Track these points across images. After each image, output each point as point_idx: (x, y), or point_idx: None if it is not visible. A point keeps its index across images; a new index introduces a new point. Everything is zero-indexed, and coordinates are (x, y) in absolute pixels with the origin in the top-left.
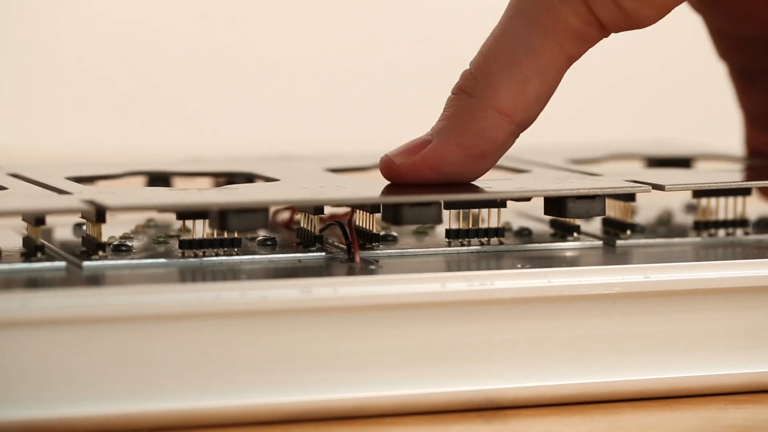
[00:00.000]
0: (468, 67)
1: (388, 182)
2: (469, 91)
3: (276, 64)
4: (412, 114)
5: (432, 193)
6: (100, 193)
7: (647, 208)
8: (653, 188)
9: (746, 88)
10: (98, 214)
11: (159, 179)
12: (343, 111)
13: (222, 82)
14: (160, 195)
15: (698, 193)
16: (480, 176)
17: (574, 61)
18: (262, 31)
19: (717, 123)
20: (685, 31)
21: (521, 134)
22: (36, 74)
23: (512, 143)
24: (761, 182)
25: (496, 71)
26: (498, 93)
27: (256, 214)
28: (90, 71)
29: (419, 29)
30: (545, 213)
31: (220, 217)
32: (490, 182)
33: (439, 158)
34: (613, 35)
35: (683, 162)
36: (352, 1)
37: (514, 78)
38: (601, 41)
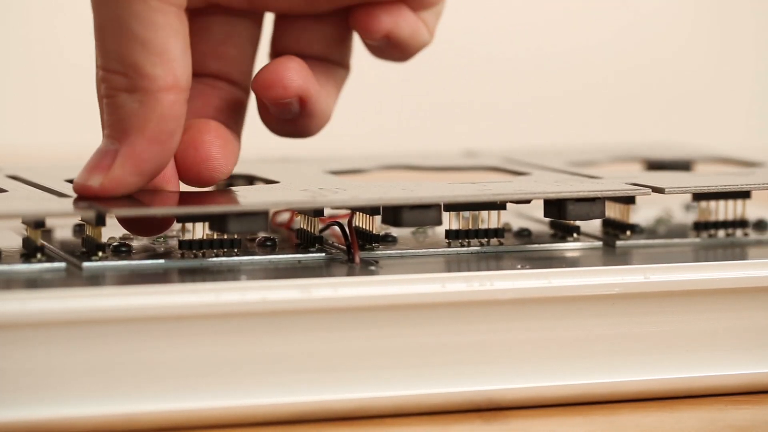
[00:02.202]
0: (103, 72)
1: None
2: (126, 88)
3: None
4: (412, 114)
5: (430, 194)
6: None
7: (647, 208)
8: (653, 191)
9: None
10: (98, 217)
11: None
12: (342, 112)
13: None
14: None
15: (698, 196)
16: (172, 155)
17: (185, 6)
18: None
19: (716, 125)
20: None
21: (510, 136)
22: (36, 74)
23: (186, 107)
24: (761, 185)
25: (138, 58)
26: (153, 76)
27: (256, 217)
28: (90, 72)
29: None
30: (545, 215)
31: (220, 220)
32: (490, 184)
33: (134, 161)
34: (612, 36)
35: (683, 165)
36: None
37: (155, 53)
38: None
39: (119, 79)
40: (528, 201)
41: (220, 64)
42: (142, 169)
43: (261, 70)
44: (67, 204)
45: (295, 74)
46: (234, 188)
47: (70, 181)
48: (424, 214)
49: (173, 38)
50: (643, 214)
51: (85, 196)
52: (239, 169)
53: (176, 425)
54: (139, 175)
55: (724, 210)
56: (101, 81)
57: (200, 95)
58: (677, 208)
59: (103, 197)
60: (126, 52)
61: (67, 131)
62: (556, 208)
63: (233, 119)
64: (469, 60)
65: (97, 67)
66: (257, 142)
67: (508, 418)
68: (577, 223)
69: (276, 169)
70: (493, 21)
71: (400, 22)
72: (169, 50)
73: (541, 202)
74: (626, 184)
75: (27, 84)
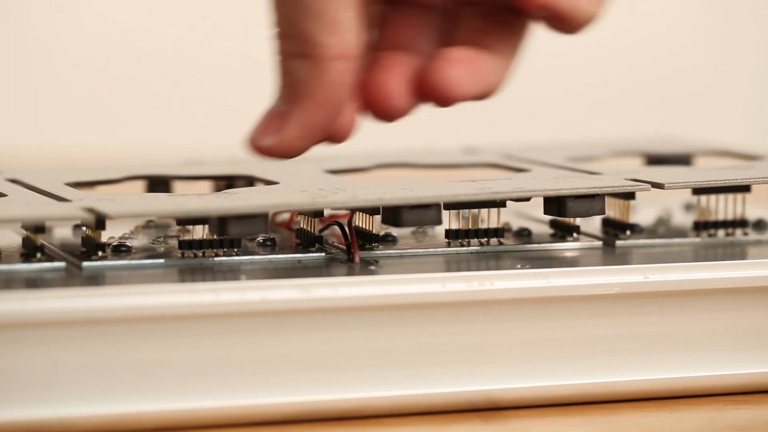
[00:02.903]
0: (277, 34)
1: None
2: (298, 54)
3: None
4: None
5: (430, 193)
6: (100, 201)
7: (647, 208)
8: (653, 186)
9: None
10: (98, 221)
11: (159, 183)
12: None
13: (222, 84)
14: (160, 202)
15: (698, 191)
16: (336, 119)
17: None
18: (262, 33)
19: (717, 119)
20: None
21: (509, 132)
22: (36, 75)
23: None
24: (761, 179)
25: (312, 27)
26: (326, 44)
27: (256, 219)
28: (90, 72)
29: None
30: (545, 212)
31: (220, 223)
32: (490, 182)
33: (307, 125)
34: (612, 32)
35: (683, 159)
36: None
37: (328, 23)
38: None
39: (292, 44)
40: (528, 199)
41: None
42: (311, 132)
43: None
44: (67, 209)
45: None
46: (234, 190)
47: (70, 185)
48: (423, 213)
49: (345, 8)
50: (642, 214)
51: (257, 154)
52: (238, 170)
53: (176, 425)
54: (307, 138)
55: (723, 209)
56: (275, 42)
57: (399, 22)
58: (677, 208)
59: (274, 157)
60: (299, 19)
61: (67, 132)
62: (556, 205)
63: (432, 42)
64: None
65: (272, 30)
66: None
67: (508, 418)
68: (577, 221)
69: (275, 169)
70: None
71: None
72: (342, 20)
73: (541, 199)
74: (626, 179)
75: (27, 84)
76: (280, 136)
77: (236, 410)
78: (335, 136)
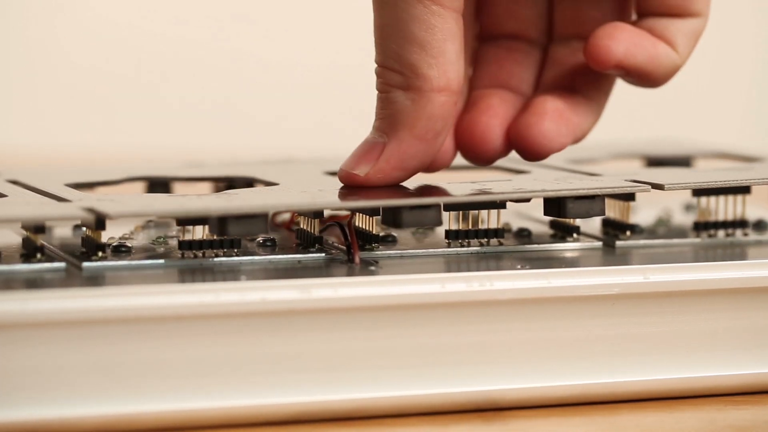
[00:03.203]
0: (380, 68)
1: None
2: (400, 86)
3: (276, 67)
4: None
5: (431, 196)
6: (100, 201)
7: (647, 209)
8: (653, 187)
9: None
10: (98, 222)
11: (159, 184)
12: (342, 113)
13: (222, 85)
14: (160, 202)
15: (698, 192)
16: (436, 153)
17: (462, 5)
18: (262, 33)
19: (716, 121)
20: None
21: None
22: (36, 75)
23: (456, 109)
24: (761, 180)
25: (415, 59)
26: (428, 76)
27: (256, 219)
28: (90, 72)
29: None
30: (545, 213)
31: (220, 223)
32: (490, 183)
33: (401, 156)
34: None
35: (683, 161)
36: (353, 4)
37: (432, 55)
38: None
39: (395, 76)
40: (528, 200)
41: (515, 25)
42: (406, 164)
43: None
44: (67, 209)
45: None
46: (234, 191)
47: (70, 186)
48: (423, 214)
49: (450, 41)
50: (642, 214)
51: (349, 184)
52: (238, 172)
53: (176, 425)
54: (403, 170)
55: (723, 210)
56: (378, 76)
57: (494, 59)
58: (677, 209)
59: (366, 187)
60: (404, 52)
61: (67, 132)
62: (556, 206)
63: (526, 81)
64: None
65: (376, 62)
66: (257, 143)
67: (508, 418)
68: (577, 222)
69: (275, 171)
70: None
71: (632, 47)
72: (445, 53)
73: (541, 200)
74: (626, 181)
75: (27, 85)
76: (375, 166)
77: (236, 411)
78: (430, 167)
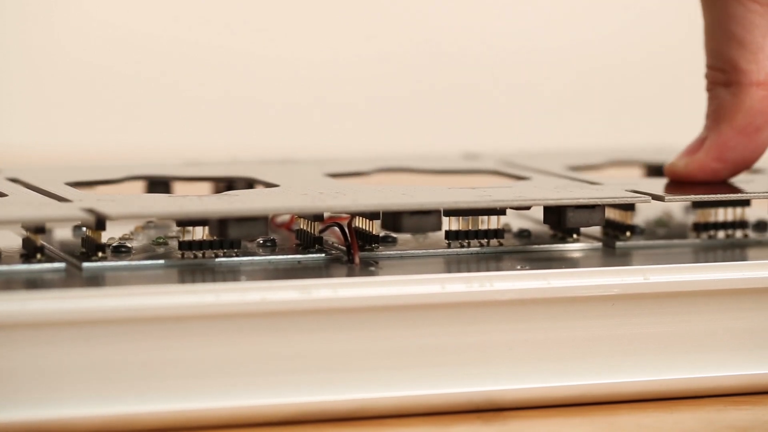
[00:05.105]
0: (707, 68)
1: None
2: (722, 82)
3: (276, 67)
4: (412, 118)
5: (430, 200)
6: (100, 201)
7: (647, 209)
8: (653, 198)
9: None
10: (98, 222)
11: (159, 184)
12: (343, 115)
13: (222, 85)
14: (160, 203)
15: (698, 204)
16: (763, 153)
17: None
18: (262, 33)
19: None
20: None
21: (509, 137)
22: (36, 74)
23: None
24: (760, 194)
25: (735, 55)
26: (747, 70)
27: (256, 221)
28: (90, 72)
29: (420, 33)
30: (544, 221)
31: (220, 225)
32: (490, 190)
33: (720, 147)
34: (613, 39)
35: None
36: (353, 4)
37: (751, 51)
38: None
39: (719, 74)
40: (528, 208)
41: None
42: (726, 155)
43: None
44: (67, 209)
45: None
46: (234, 192)
47: (70, 185)
48: (424, 219)
49: (766, 37)
50: (642, 215)
51: (671, 177)
52: (238, 172)
53: (176, 425)
54: (721, 162)
55: (723, 211)
56: (706, 77)
57: None
58: (677, 209)
59: (687, 179)
60: (725, 49)
61: (67, 132)
62: (555, 214)
63: None
64: (468, 62)
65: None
66: (256, 143)
67: (508, 418)
68: None
69: (276, 172)
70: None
71: None
72: (764, 48)
73: (541, 206)
74: (626, 191)
75: (27, 84)
76: (694, 157)
77: (236, 411)
78: (746, 163)
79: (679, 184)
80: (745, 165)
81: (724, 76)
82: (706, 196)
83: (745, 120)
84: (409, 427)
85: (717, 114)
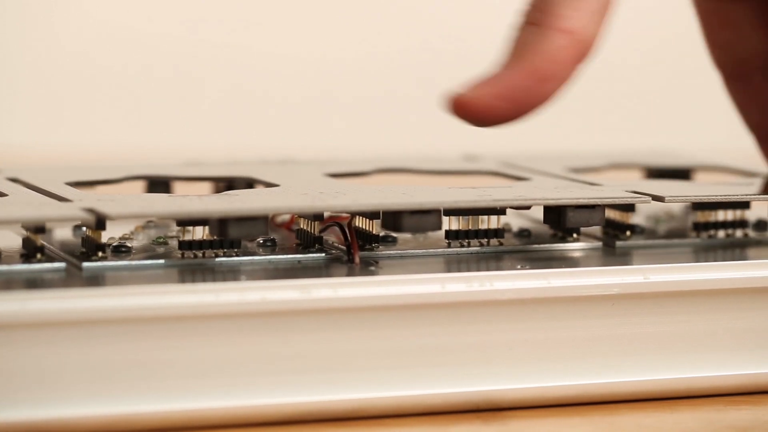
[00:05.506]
0: (525, 5)
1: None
2: (532, 20)
3: (276, 67)
4: (413, 118)
5: (430, 200)
6: (100, 201)
7: (647, 209)
8: (653, 199)
9: (744, 95)
10: (98, 222)
11: (159, 184)
12: (343, 115)
13: (222, 85)
14: (160, 203)
15: (698, 206)
16: (545, 103)
17: None
18: (262, 33)
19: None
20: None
21: (509, 139)
22: (36, 74)
23: (576, 71)
24: (761, 196)
25: None
26: (558, 14)
27: (256, 221)
28: (90, 72)
29: (421, 34)
30: (545, 221)
31: (220, 224)
32: (491, 189)
33: (505, 84)
34: (613, 41)
35: (683, 173)
36: (353, 4)
37: None
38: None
39: (531, 13)
40: (528, 207)
41: None
42: (510, 94)
43: None
44: (68, 209)
45: None
46: (234, 192)
47: (71, 184)
48: (424, 219)
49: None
50: (642, 214)
51: (452, 106)
52: (238, 172)
53: (176, 425)
54: (504, 100)
55: (723, 211)
56: (521, 13)
57: None
58: (677, 209)
59: (470, 116)
60: None
61: (67, 132)
62: (555, 214)
63: None
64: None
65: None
66: (256, 143)
67: (508, 418)
68: None
69: (275, 172)
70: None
71: None
72: (589, 4)
73: (541, 206)
74: (626, 191)
75: (27, 84)
76: (476, 88)
77: (236, 411)
78: (527, 108)
79: (677, 184)
80: (527, 109)
81: (535, 14)
82: (706, 197)
83: (537, 63)
84: (409, 427)
85: (515, 51)
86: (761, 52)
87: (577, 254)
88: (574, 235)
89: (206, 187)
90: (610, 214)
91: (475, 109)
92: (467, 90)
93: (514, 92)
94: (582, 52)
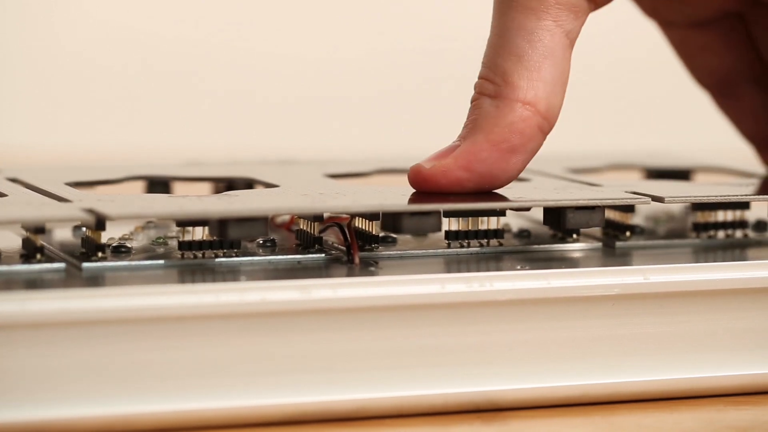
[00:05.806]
0: (478, 79)
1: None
2: (490, 93)
3: (276, 67)
4: (413, 119)
5: (432, 202)
6: (100, 201)
7: (646, 210)
8: (653, 200)
9: (736, 109)
10: (98, 222)
11: (158, 184)
12: (343, 115)
13: (222, 85)
14: (160, 203)
15: (697, 206)
16: (513, 176)
17: (574, 37)
18: (262, 34)
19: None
20: None
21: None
22: (36, 74)
23: (541, 140)
24: (760, 197)
25: (509, 67)
26: (516, 85)
27: (256, 222)
28: (90, 72)
29: (421, 34)
30: (544, 222)
31: (220, 225)
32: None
33: (470, 157)
34: (613, 42)
35: (682, 174)
36: (353, 4)
37: (526, 68)
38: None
39: (489, 85)
40: (528, 209)
41: None
42: (474, 166)
43: None
44: (67, 209)
45: None
46: (234, 192)
47: (70, 185)
48: (423, 220)
49: (550, 60)
50: (642, 215)
51: (415, 179)
52: (238, 172)
53: (176, 425)
54: (468, 171)
55: (723, 211)
56: (475, 88)
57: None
58: (677, 210)
59: (431, 187)
60: (502, 61)
61: (68, 132)
62: (555, 215)
63: None
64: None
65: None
66: (256, 143)
67: (508, 418)
68: None
69: (275, 172)
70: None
71: None
72: (541, 69)
73: (541, 207)
74: (626, 192)
75: (27, 84)
76: (441, 162)
77: (236, 411)
78: (494, 181)
79: (677, 185)
80: (492, 182)
81: (493, 87)
82: (706, 197)
83: (502, 135)
84: (409, 427)
85: (475, 124)
86: (741, 66)
87: (576, 255)
88: (574, 236)
89: (206, 187)
90: (609, 214)
91: (438, 181)
92: (431, 162)
93: (479, 165)
94: (543, 127)
